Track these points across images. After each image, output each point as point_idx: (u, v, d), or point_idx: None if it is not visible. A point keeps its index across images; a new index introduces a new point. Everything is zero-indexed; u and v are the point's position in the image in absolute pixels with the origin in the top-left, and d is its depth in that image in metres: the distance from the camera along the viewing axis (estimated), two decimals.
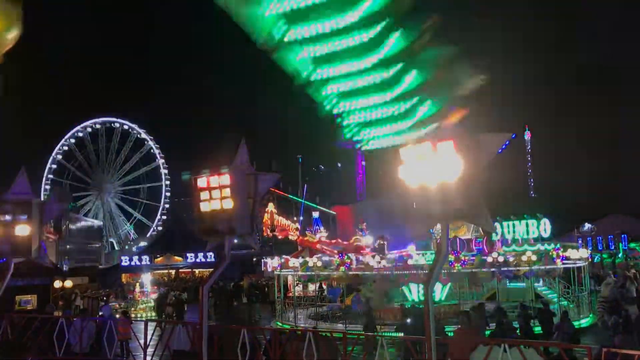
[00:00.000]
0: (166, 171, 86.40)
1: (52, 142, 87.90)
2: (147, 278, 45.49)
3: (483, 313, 17.53)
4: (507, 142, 8.68)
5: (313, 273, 25.57)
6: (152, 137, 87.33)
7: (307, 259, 26.13)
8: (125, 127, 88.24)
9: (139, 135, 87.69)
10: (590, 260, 30.20)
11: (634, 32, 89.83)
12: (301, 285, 31.54)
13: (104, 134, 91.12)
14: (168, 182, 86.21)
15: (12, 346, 13.77)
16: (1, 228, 12.75)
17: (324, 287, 31.65)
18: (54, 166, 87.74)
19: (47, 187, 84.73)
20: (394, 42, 22.52)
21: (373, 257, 24.03)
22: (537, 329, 18.12)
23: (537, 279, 25.85)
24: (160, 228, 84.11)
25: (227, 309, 32.57)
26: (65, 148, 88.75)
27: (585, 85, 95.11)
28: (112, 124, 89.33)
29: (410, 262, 23.19)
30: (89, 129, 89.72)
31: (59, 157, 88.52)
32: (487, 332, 16.55)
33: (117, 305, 31.37)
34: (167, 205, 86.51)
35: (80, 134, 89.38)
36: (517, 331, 17.34)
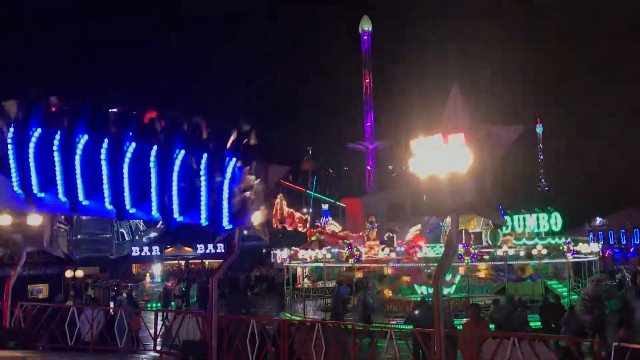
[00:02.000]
0: None
1: None
2: (157, 268, 45.87)
3: (516, 306, 17.62)
4: (518, 136, 8.61)
5: (322, 264, 25.62)
6: None
7: (317, 250, 26.17)
8: None
9: None
10: (601, 254, 29.98)
11: None
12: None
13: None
14: None
15: (25, 334, 13.93)
16: (14, 218, 12.90)
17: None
18: None
19: None
20: None
21: (382, 249, 24.02)
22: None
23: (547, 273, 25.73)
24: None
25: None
26: None
27: (598, 78, 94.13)
28: None
29: (419, 254, 23.16)
30: None
31: None
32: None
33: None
34: None
35: None
36: (540, 324, 17.38)
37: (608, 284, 20.79)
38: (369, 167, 61.88)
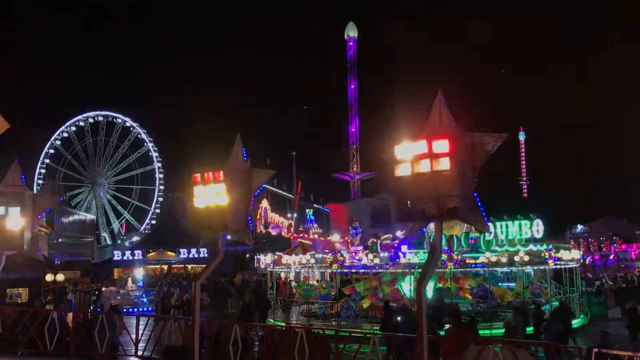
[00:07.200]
0: (161, 176, 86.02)
1: (55, 128, 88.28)
2: (139, 273, 45.41)
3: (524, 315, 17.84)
4: (502, 143, 8.70)
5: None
6: (151, 139, 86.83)
7: (301, 255, 26.12)
8: (127, 124, 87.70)
9: (139, 136, 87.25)
10: (582, 261, 30.25)
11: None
12: (294, 282, 31.45)
13: (104, 128, 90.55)
14: (162, 187, 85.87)
15: (3, 339, 13.71)
16: None
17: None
18: (52, 151, 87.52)
19: (43, 170, 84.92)
20: None
21: (366, 255, 24.05)
22: (529, 329, 18.21)
23: (529, 280, 25.90)
24: (148, 232, 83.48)
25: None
26: (65, 135, 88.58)
27: (581, 86, 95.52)
28: (115, 119, 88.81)
29: (403, 260, 23.21)
30: (91, 120, 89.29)
31: (58, 142, 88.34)
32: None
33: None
34: (157, 211, 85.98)
35: (82, 124, 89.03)
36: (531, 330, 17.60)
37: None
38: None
